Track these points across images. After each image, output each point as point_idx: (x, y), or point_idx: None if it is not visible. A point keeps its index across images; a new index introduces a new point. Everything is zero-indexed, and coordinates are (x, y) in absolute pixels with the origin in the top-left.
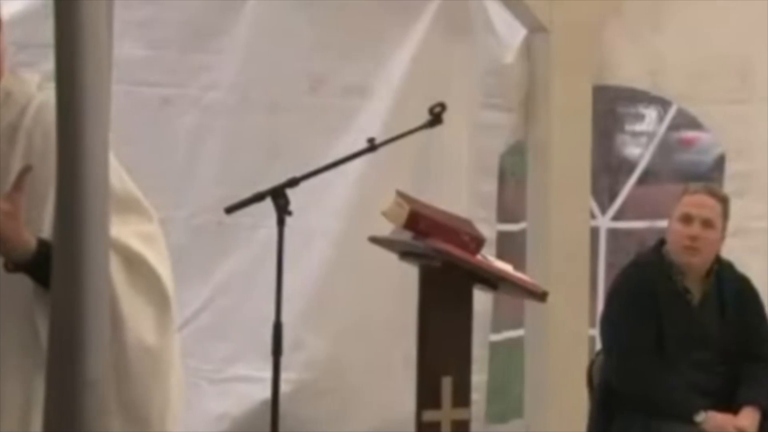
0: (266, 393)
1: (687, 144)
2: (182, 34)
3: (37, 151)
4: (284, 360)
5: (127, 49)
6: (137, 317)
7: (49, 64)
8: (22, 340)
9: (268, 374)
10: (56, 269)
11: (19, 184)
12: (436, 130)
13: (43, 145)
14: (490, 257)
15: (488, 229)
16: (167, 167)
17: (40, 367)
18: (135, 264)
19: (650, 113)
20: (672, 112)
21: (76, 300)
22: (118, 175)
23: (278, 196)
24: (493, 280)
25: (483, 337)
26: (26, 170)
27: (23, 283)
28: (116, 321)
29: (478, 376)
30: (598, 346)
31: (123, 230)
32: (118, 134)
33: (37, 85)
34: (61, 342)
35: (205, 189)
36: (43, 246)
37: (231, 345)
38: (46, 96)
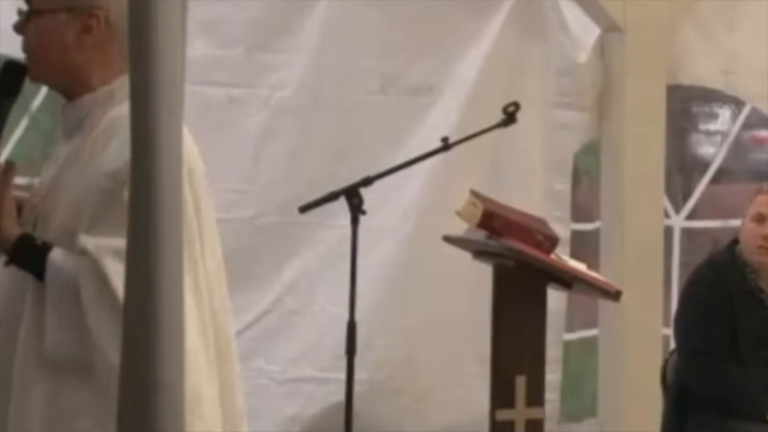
0: (336, 394)
1: (760, 143)
2: (252, 33)
3: (99, 144)
4: (356, 360)
5: (197, 48)
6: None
7: None
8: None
9: (335, 375)
10: (129, 270)
11: (4, 179)
12: (510, 129)
13: (106, 139)
14: (564, 256)
15: (562, 228)
16: (233, 167)
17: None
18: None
19: (724, 112)
20: (746, 111)
21: (149, 300)
22: None
23: (352, 195)
24: (566, 280)
25: (557, 336)
26: (10, 167)
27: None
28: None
29: (552, 376)
30: (672, 345)
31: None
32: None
33: None
34: (134, 343)
35: (272, 189)
36: (25, 238)
37: (298, 345)
38: None
